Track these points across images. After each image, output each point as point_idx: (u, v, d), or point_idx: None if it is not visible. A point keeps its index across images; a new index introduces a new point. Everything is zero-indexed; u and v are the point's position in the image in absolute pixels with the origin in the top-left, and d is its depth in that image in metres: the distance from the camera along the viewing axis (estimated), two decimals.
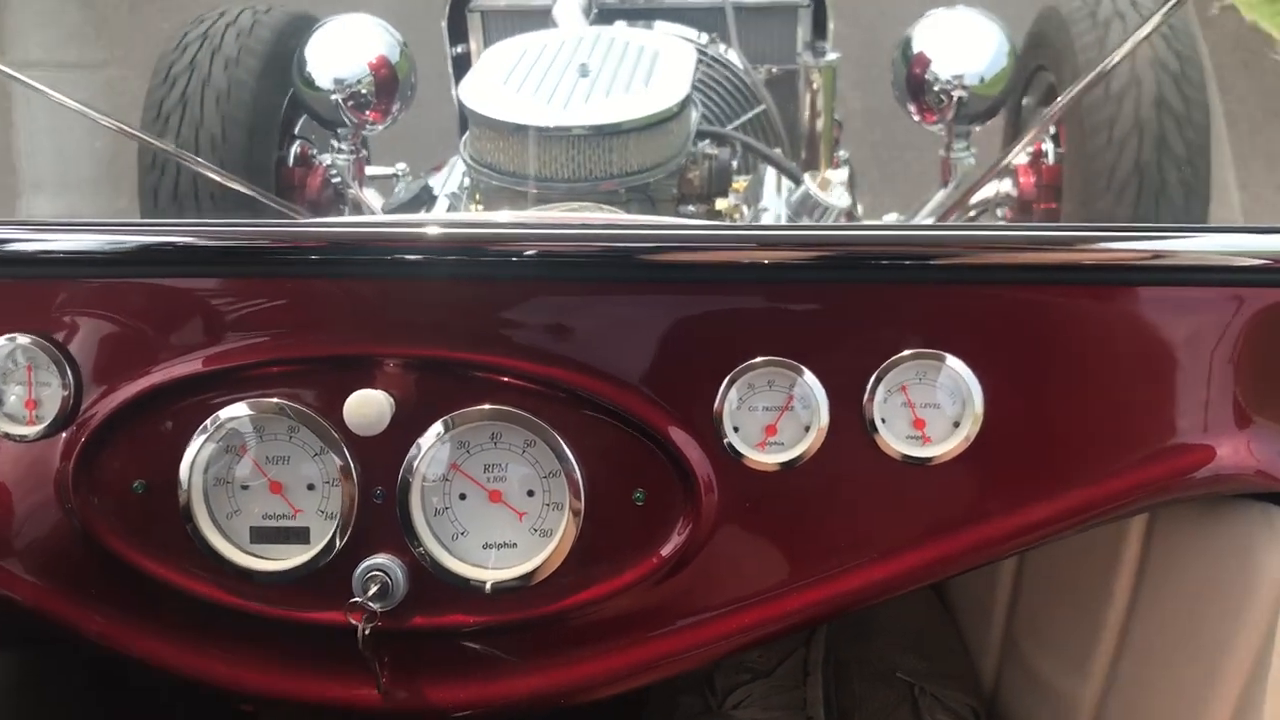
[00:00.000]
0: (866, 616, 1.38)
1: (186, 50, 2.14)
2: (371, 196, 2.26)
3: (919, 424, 0.87)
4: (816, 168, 2.27)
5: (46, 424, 0.89)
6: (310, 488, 0.89)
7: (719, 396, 0.87)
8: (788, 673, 1.31)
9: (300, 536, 0.90)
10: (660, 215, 1.70)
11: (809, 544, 0.89)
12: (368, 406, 0.85)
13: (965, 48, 2.04)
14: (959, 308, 0.87)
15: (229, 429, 0.88)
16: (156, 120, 2.10)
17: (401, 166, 2.31)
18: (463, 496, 0.89)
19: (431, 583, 0.88)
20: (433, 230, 0.87)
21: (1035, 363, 0.87)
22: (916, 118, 2.12)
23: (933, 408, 0.87)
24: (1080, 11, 2.13)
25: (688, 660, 0.91)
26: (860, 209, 2.28)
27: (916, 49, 2.05)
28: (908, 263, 0.86)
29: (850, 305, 0.87)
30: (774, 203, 1.88)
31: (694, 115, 1.83)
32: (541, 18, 2.23)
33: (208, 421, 0.88)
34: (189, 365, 0.88)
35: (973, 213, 2.28)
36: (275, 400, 0.88)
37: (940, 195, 2.17)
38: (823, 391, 0.86)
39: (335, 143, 2.22)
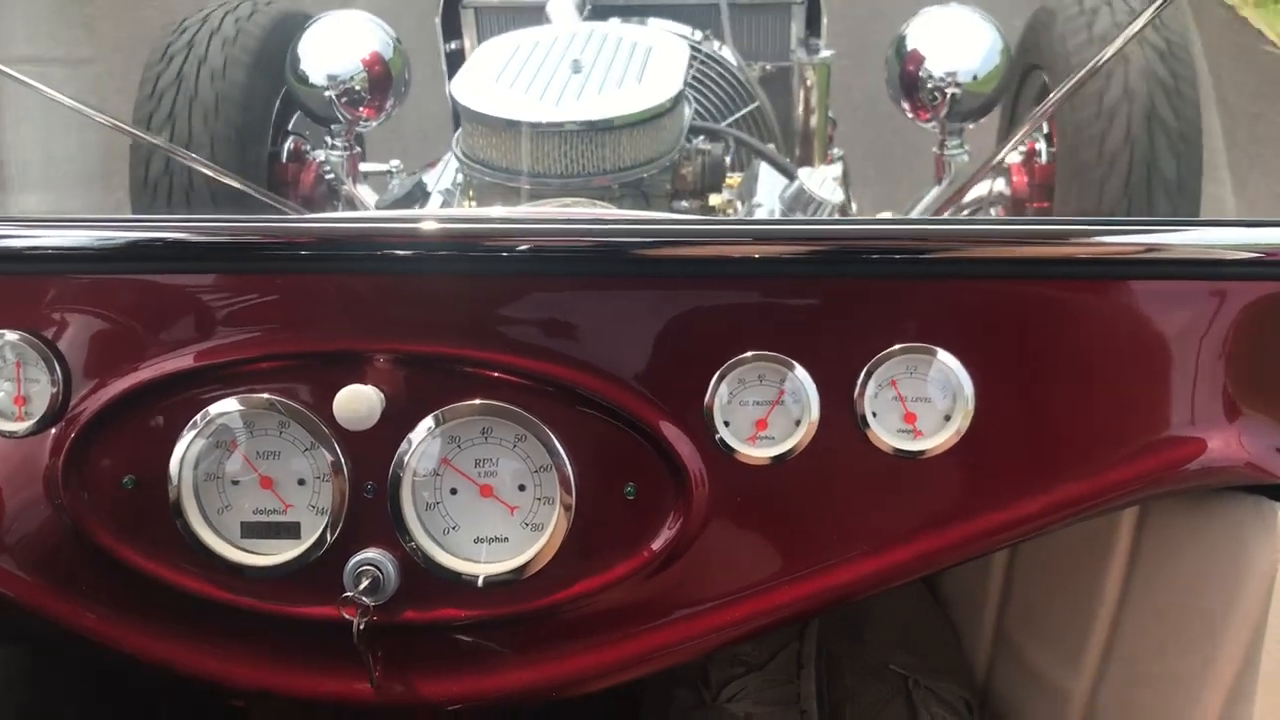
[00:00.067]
0: (859, 610, 1.38)
1: (174, 56, 2.13)
2: (365, 193, 2.26)
3: (910, 418, 0.87)
4: (810, 164, 2.28)
5: (35, 420, 0.89)
6: (301, 483, 0.89)
7: (710, 391, 0.87)
8: (781, 666, 1.31)
9: (291, 531, 0.89)
10: (653, 211, 1.70)
11: (800, 538, 0.89)
12: (358, 402, 0.85)
13: (959, 45, 2.04)
14: (950, 302, 0.87)
15: (219, 424, 0.88)
16: (149, 110, 2.09)
17: (396, 163, 2.31)
18: (454, 491, 0.89)
19: (423, 577, 0.88)
20: (424, 226, 0.87)
21: (1026, 356, 0.88)
22: (910, 115, 2.12)
23: (923, 401, 0.87)
24: (1073, 10, 2.13)
25: (679, 653, 0.91)
26: (855, 205, 2.29)
27: (910, 46, 2.06)
28: (898, 257, 0.87)
29: (840, 299, 0.87)
30: (768, 199, 1.88)
31: (687, 111, 1.83)
32: (535, 14, 2.23)
33: (198, 417, 0.88)
34: (179, 361, 0.88)
35: (966, 211, 2.29)
36: (266, 395, 0.88)
37: (934, 193, 2.17)
38: (813, 386, 0.86)
39: (329, 139, 2.22)
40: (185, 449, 0.88)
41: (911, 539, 0.88)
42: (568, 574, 0.88)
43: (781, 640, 1.33)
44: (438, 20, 2.35)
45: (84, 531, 0.90)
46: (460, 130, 1.76)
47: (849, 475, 0.88)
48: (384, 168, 2.31)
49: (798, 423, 0.87)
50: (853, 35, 3.12)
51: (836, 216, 1.77)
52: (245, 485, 0.89)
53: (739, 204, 1.85)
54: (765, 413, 0.87)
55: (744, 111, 2.13)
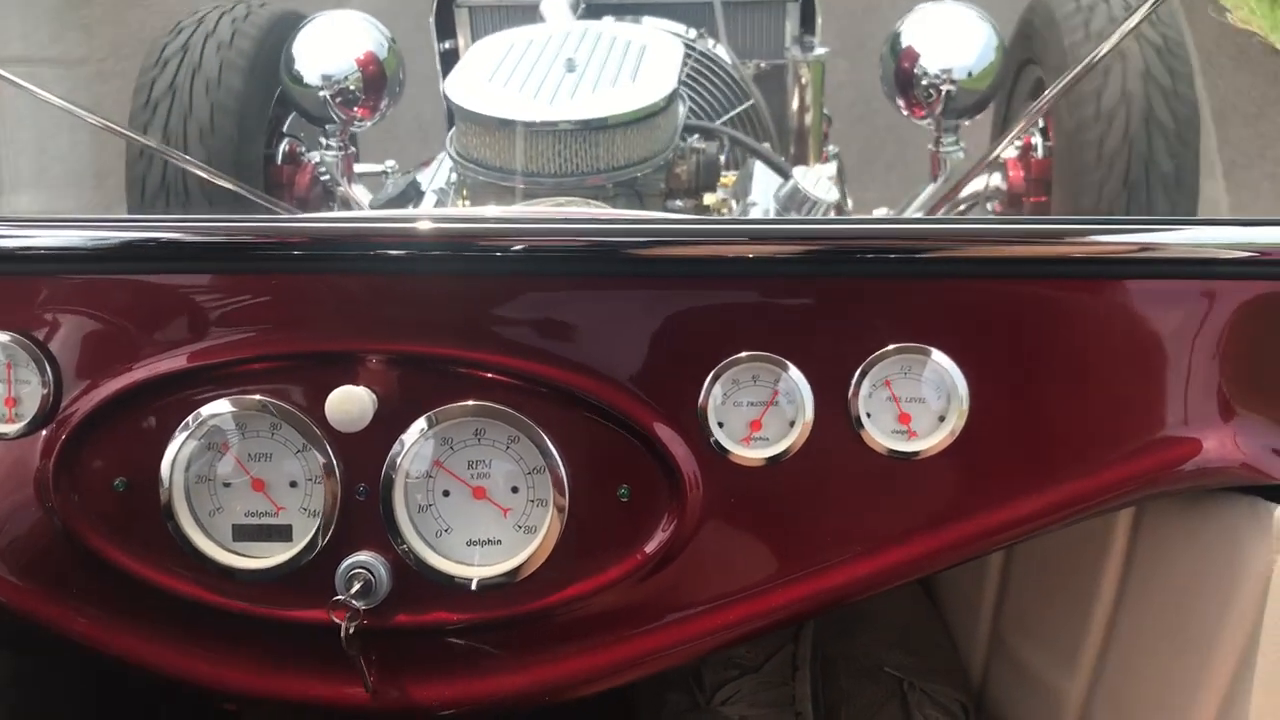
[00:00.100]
0: (854, 612, 1.38)
1: (169, 61, 2.12)
2: (360, 193, 2.26)
3: (904, 418, 0.87)
4: (805, 162, 2.27)
5: (26, 422, 0.89)
6: (293, 485, 0.89)
7: (704, 392, 0.86)
8: (776, 669, 1.31)
9: (283, 534, 0.89)
10: (647, 210, 1.70)
11: (794, 539, 0.88)
12: (349, 403, 0.85)
13: (953, 42, 2.04)
14: (944, 301, 0.86)
15: (211, 426, 0.88)
16: (144, 121, 2.09)
17: (391, 164, 2.31)
18: (446, 493, 0.88)
19: (415, 580, 0.88)
20: (416, 226, 0.87)
21: (1020, 356, 0.87)
22: (905, 112, 2.12)
23: (918, 402, 0.86)
24: (1068, 6, 2.13)
25: (674, 656, 0.91)
26: (850, 203, 2.28)
27: (905, 43, 2.06)
28: (892, 256, 0.86)
29: (835, 299, 0.87)
30: (762, 198, 1.88)
31: (681, 110, 1.83)
32: (529, 13, 2.23)
33: (189, 419, 0.87)
34: (170, 362, 0.88)
35: (962, 207, 2.28)
36: (257, 397, 0.87)
37: (929, 190, 2.17)
38: (807, 386, 0.86)
39: (324, 140, 2.21)
40: (177, 451, 0.87)
41: (906, 540, 0.88)
42: (561, 577, 0.88)
43: (776, 643, 1.33)
44: (432, 19, 2.34)
45: (75, 534, 0.89)
46: (454, 129, 1.76)
47: (843, 476, 0.87)
48: (379, 168, 2.31)
49: (792, 424, 0.87)
50: (847, 35, 3.11)
51: (831, 215, 1.76)
52: (237, 487, 0.89)
53: (734, 203, 1.84)
54: (759, 414, 0.87)
55: (739, 110, 2.13)
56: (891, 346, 0.86)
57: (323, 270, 0.88)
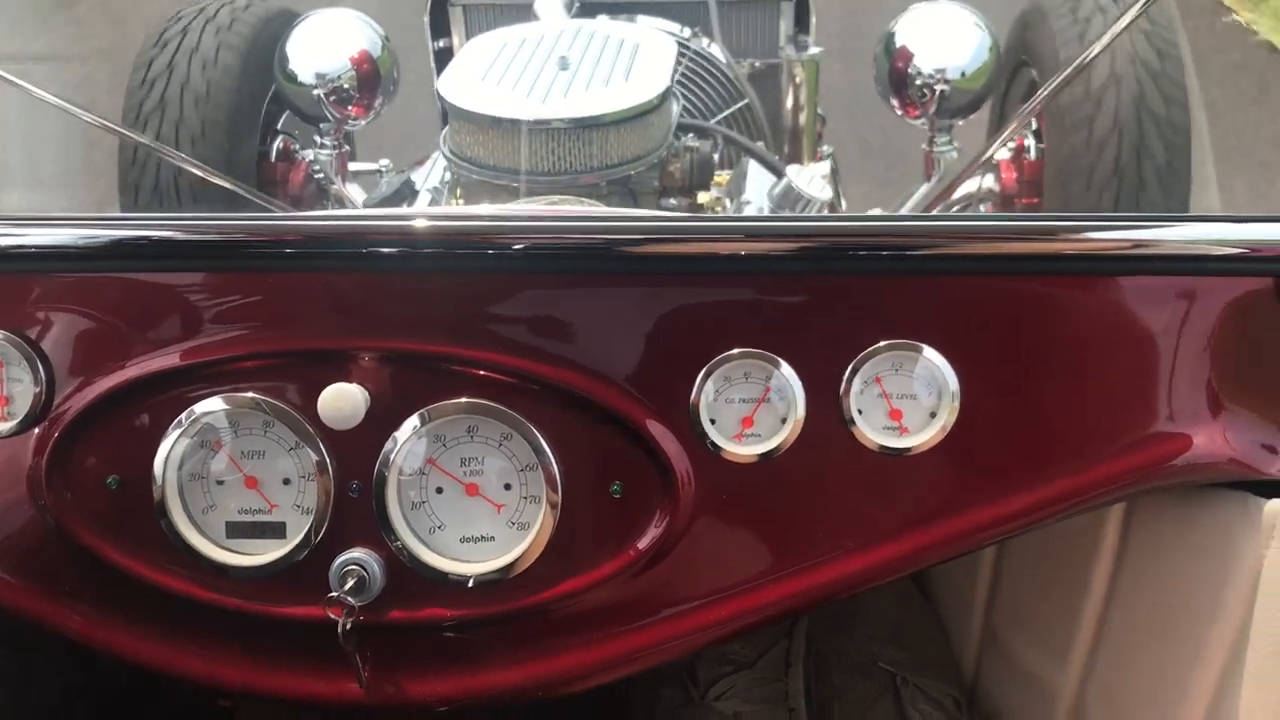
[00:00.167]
0: (847, 607, 1.38)
1: (167, 45, 2.13)
2: (355, 192, 2.26)
3: (895, 415, 0.87)
4: (799, 161, 2.28)
5: (19, 420, 0.89)
6: (286, 482, 0.89)
7: (695, 389, 0.87)
8: (769, 664, 1.31)
9: (276, 531, 0.89)
10: (641, 208, 1.70)
11: (787, 535, 0.89)
12: (342, 401, 0.85)
13: (947, 42, 2.04)
14: (935, 298, 0.87)
15: (204, 424, 0.88)
16: (140, 97, 2.09)
17: (385, 162, 2.31)
18: (439, 490, 0.88)
19: (409, 577, 0.88)
20: (408, 224, 0.87)
21: (1011, 352, 0.88)
22: (899, 112, 2.12)
23: (909, 398, 0.87)
24: (1062, 7, 2.13)
25: (667, 652, 0.91)
26: (844, 202, 2.29)
27: (899, 43, 2.06)
28: (884, 254, 0.86)
29: (826, 296, 0.87)
30: (756, 196, 1.88)
31: (674, 108, 1.83)
32: (523, 11, 2.23)
33: (182, 416, 0.87)
34: (163, 360, 0.88)
35: (955, 208, 2.29)
36: (250, 395, 0.87)
37: (923, 190, 2.17)
38: (799, 383, 0.86)
39: (318, 138, 2.21)
40: (170, 448, 0.88)
41: (898, 536, 0.88)
42: (554, 573, 0.88)
43: (770, 638, 1.33)
44: (426, 18, 2.34)
45: (68, 532, 0.90)
46: (448, 128, 1.76)
47: (835, 473, 0.88)
48: (373, 166, 2.31)
49: (783, 420, 0.87)
50: (844, 36, 3.11)
51: (825, 213, 1.77)
52: (230, 485, 0.89)
53: (727, 201, 1.85)
54: (751, 410, 0.87)
55: (733, 109, 2.13)
56: (883, 343, 0.86)
57: (315, 268, 0.88)
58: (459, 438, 0.88)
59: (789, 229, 0.89)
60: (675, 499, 0.87)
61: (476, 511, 0.89)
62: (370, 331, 0.88)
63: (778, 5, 2.31)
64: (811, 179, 1.76)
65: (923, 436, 0.87)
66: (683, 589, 0.89)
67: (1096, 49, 1.18)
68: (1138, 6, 1.10)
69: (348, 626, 0.86)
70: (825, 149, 2.42)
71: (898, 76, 2.06)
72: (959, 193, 2.24)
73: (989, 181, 2.25)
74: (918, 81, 2.04)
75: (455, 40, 2.37)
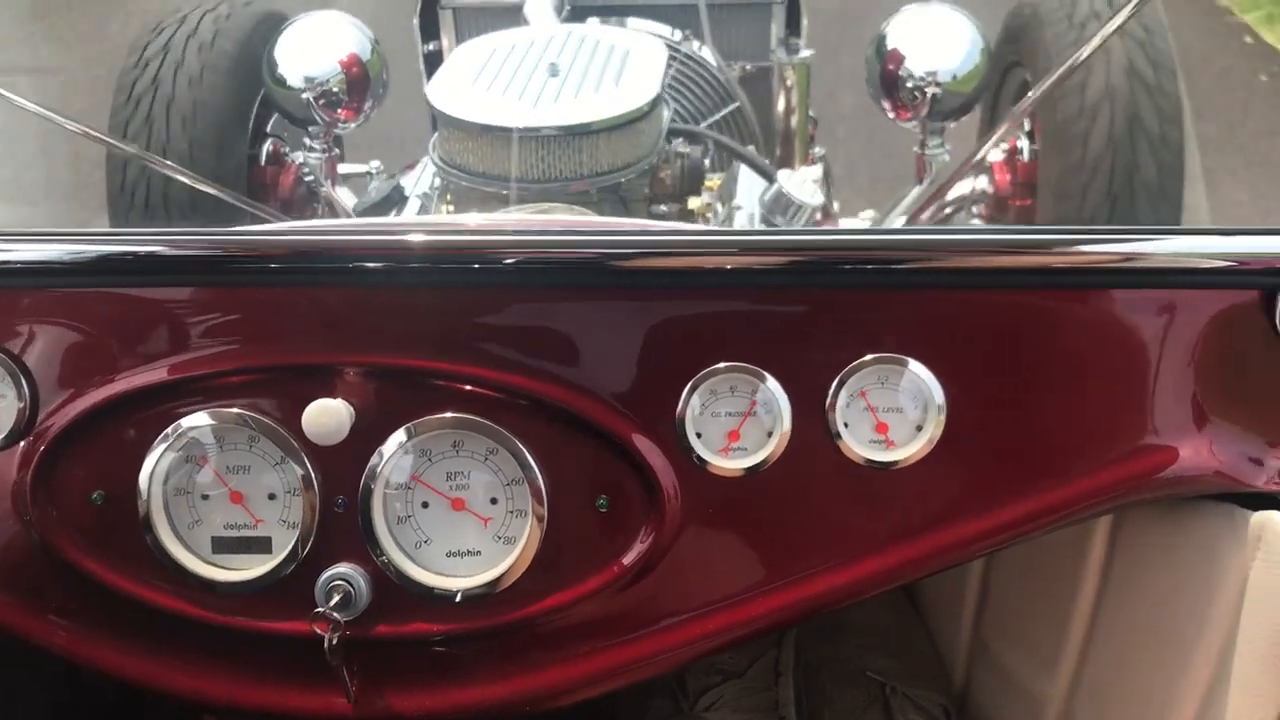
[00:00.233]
0: (837, 617, 1.38)
1: (150, 61, 2.11)
2: (345, 195, 2.25)
3: (881, 428, 0.87)
4: (791, 165, 2.27)
5: (2, 435, 0.88)
6: (271, 497, 0.89)
7: (681, 402, 0.87)
8: (759, 674, 1.31)
9: (262, 546, 0.89)
10: (632, 216, 1.70)
11: (773, 549, 0.89)
12: (327, 416, 0.84)
13: (939, 44, 2.04)
14: (921, 312, 0.87)
15: (189, 439, 0.88)
16: (125, 116, 2.08)
17: (375, 164, 2.30)
18: (425, 505, 0.88)
19: (395, 592, 0.88)
20: (395, 239, 0.87)
21: (997, 366, 0.87)
22: (891, 114, 2.12)
23: (895, 412, 0.87)
24: (1054, 8, 2.13)
25: (654, 665, 0.91)
26: (837, 205, 2.29)
27: (890, 45, 2.06)
28: (870, 267, 0.86)
29: (812, 310, 0.87)
30: (747, 201, 1.88)
31: (665, 114, 1.82)
32: (513, 15, 2.22)
33: (168, 431, 0.87)
34: (148, 375, 0.88)
35: (948, 209, 2.29)
36: (236, 410, 0.87)
37: (915, 192, 2.17)
38: (785, 397, 0.86)
39: (307, 141, 2.21)
40: (155, 464, 0.87)
41: (885, 549, 0.88)
42: (541, 587, 0.88)
43: (759, 648, 1.33)
44: (416, 21, 2.34)
45: (53, 547, 0.89)
46: (437, 134, 1.76)
47: (821, 486, 0.88)
48: (363, 169, 2.30)
49: (769, 434, 0.87)
50: (834, 36, 3.11)
51: (814, 223, 1.76)
52: (215, 500, 0.89)
53: (718, 206, 1.84)
54: (737, 424, 0.87)
55: (724, 112, 2.12)
56: (869, 357, 0.86)
57: (300, 283, 0.88)
58: (445, 452, 0.88)
59: (775, 243, 0.89)
60: (661, 513, 0.87)
61: (463, 526, 0.88)
62: (356, 346, 0.87)
63: (769, 8, 2.31)
64: (803, 183, 1.76)
65: (909, 450, 0.87)
66: (669, 603, 0.89)
67: (1088, 50, 1.18)
68: (1130, 7, 1.10)
69: (334, 642, 0.86)
70: (817, 151, 2.42)
71: (889, 79, 2.06)
72: (952, 195, 2.24)
73: (982, 184, 2.25)
74: (909, 84, 2.04)
75: (445, 43, 2.36)
